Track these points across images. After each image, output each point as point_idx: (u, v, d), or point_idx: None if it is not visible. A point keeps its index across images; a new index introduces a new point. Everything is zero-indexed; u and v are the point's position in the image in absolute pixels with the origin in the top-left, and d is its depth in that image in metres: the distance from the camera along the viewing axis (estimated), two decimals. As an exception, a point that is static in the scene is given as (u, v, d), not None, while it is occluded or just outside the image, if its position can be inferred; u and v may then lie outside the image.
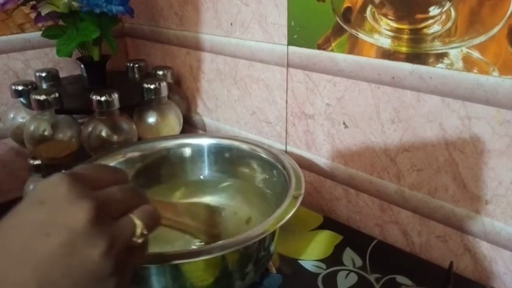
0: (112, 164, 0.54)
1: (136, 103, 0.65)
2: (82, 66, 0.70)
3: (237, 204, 0.56)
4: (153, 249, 0.32)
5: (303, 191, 0.45)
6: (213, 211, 0.48)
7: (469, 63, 0.43)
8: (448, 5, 0.43)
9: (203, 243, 0.42)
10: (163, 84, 0.64)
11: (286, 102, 0.62)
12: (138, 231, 0.27)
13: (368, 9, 0.49)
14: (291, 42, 0.58)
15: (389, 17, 0.47)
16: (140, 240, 0.28)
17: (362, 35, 0.50)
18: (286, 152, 0.65)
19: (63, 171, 0.27)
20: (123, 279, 0.27)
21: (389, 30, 0.48)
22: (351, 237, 0.56)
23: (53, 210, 0.25)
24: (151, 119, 0.65)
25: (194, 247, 0.44)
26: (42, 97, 0.58)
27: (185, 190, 0.59)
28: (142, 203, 0.29)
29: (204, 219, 0.44)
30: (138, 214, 0.28)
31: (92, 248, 0.24)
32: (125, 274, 0.27)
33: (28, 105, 0.62)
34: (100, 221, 0.25)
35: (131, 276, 0.28)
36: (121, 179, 0.30)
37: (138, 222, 0.27)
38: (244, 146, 0.57)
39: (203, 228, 0.42)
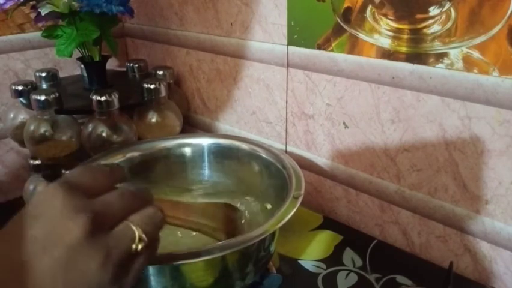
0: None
1: (136, 103, 0.65)
2: (82, 66, 0.70)
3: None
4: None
5: (303, 191, 0.45)
6: (230, 210, 0.48)
7: (469, 63, 0.43)
8: (447, 5, 0.42)
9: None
10: (163, 84, 0.64)
11: (286, 102, 0.62)
12: (136, 237, 0.27)
13: (368, 9, 0.49)
14: (291, 42, 0.58)
15: (389, 17, 0.47)
16: (140, 246, 0.28)
17: (362, 35, 0.50)
18: (286, 152, 0.65)
19: (63, 171, 0.27)
20: (125, 285, 0.27)
21: (389, 30, 0.48)
22: (351, 237, 0.56)
23: (49, 225, 0.25)
24: (151, 119, 0.65)
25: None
26: (42, 97, 0.57)
27: (185, 190, 0.59)
28: (142, 207, 0.29)
29: (220, 218, 0.45)
30: (137, 219, 0.28)
31: (89, 261, 0.25)
32: (127, 280, 0.27)
33: (28, 105, 0.62)
34: (96, 234, 0.25)
35: (136, 280, 0.28)
36: (118, 178, 0.31)
37: (136, 228, 0.28)
38: (244, 146, 0.57)
39: (220, 227, 0.44)
